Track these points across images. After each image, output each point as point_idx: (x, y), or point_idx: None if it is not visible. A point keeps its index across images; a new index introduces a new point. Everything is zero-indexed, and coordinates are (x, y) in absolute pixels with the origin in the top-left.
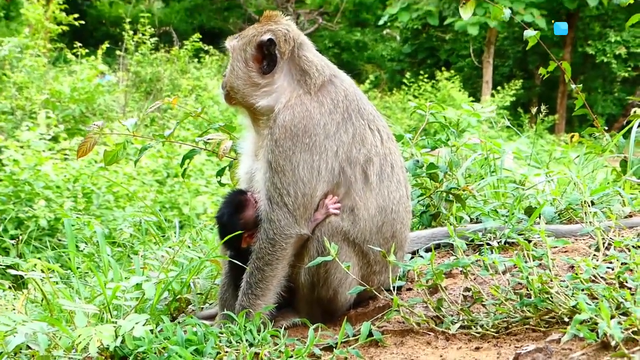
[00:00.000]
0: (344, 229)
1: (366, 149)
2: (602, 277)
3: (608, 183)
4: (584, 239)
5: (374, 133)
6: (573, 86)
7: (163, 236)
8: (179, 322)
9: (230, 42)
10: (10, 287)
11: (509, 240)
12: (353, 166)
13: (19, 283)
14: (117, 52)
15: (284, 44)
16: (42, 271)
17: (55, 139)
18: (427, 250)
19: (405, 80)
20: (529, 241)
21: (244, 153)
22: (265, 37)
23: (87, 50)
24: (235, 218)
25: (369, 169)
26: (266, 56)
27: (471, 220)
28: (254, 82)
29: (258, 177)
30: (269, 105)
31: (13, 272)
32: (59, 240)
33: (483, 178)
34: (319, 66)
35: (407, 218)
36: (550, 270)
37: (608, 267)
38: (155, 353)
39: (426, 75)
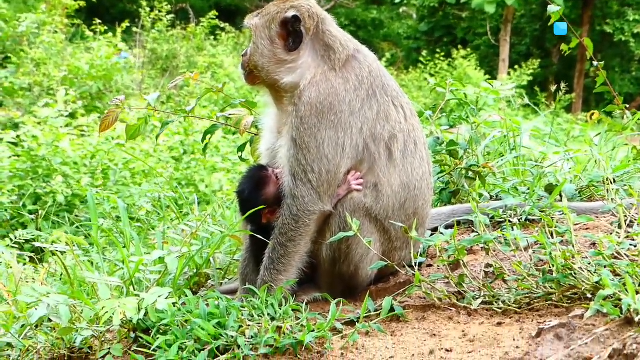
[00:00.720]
0: (367, 205)
1: (390, 125)
2: (625, 255)
3: (629, 161)
4: (605, 217)
5: (397, 109)
6: (595, 63)
7: (181, 212)
8: (201, 296)
9: (251, 21)
10: (31, 260)
11: (529, 217)
12: (377, 143)
13: (39, 257)
14: (134, 29)
15: (309, 20)
16: (67, 244)
17: (72, 116)
18: (447, 227)
19: (421, 59)
20: (551, 218)
21: (266, 129)
22: (290, 13)
23: (105, 27)
24: (257, 194)
25: (393, 145)
26: (291, 33)
27: (491, 197)
28: (279, 60)
29: (281, 153)
30: (294, 81)
31: (37, 244)
32: (77, 216)
33: (502, 156)
34: (343, 41)
35: (429, 195)
36: (573, 247)
37: (631, 244)
38: (178, 326)
39: (443, 54)
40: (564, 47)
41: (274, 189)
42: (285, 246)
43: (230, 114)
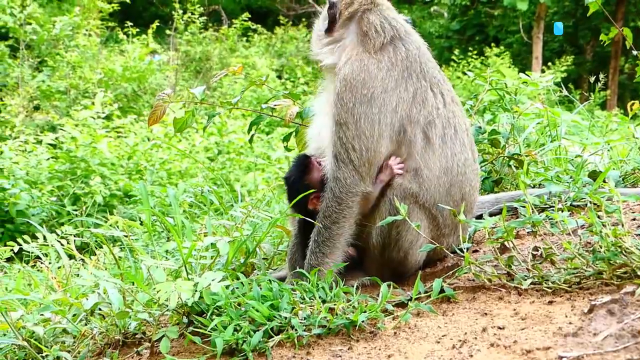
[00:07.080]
0: (413, 190)
1: (427, 110)
2: None
3: None
4: None
5: (436, 95)
6: (635, 52)
7: (225, 205)
8: (252, 279)
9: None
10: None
11: (574, 203)
12: (413, 126)
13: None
14: (167, 32)
15: (346, 7)
16: (123, 230)
17: (108, 118)
18: (491, 214)
19: (454, 57)
20: (597, 205)
21: (317, 113)
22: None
23: (137, 30)
24: (301, 180)
25: (430, 130)
26: (330, 16)
27: (533, 186)
28: (320, 42)
29: (324, 134)
30: (333, 62)
31: (94, 230)
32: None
33: (543, 146)
34: (379, 28)
35: (475, 181)
36: (622, 226)
37: None
38: (232, 308)
39: (475, 52)
40: (603, 37)
41: (317, 174)
42: (330, 229)
43: (275, 105)
